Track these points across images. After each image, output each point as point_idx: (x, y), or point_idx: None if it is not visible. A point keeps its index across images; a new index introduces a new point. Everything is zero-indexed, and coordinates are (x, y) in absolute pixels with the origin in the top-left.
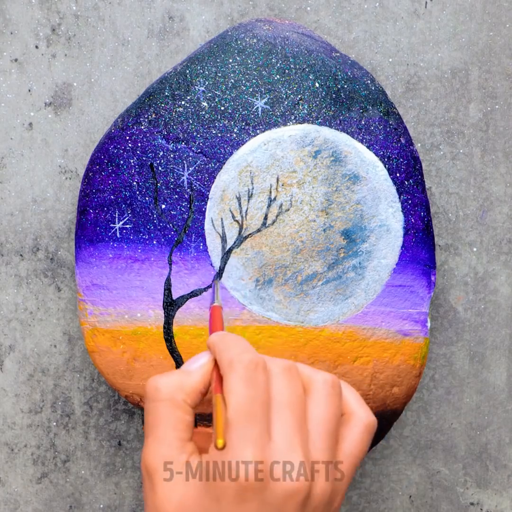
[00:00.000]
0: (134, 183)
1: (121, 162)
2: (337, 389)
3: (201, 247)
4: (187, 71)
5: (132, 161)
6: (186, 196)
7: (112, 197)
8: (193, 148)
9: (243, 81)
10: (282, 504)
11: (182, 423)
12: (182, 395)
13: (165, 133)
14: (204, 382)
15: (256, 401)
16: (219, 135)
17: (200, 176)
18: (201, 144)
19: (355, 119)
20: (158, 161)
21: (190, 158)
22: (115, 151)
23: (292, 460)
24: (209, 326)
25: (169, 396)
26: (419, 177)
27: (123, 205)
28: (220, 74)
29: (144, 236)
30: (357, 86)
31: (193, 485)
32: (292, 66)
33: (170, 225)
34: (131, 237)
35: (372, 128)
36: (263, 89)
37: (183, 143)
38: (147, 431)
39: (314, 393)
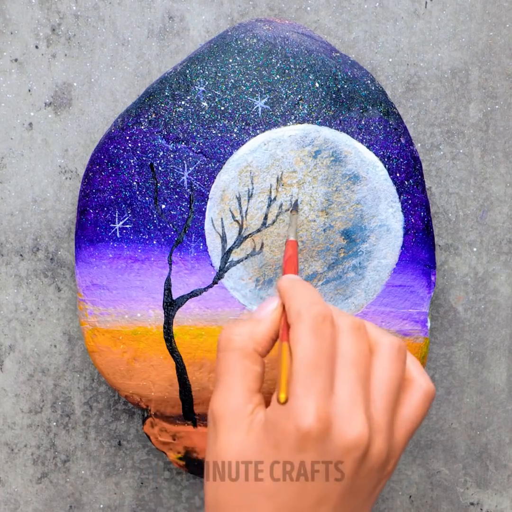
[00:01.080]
0: (134, 183)
1: (121, 162)
2: (402, 354)
3: (201, 247)
4: (187, 71)
5: (132, 161)
6: (186, 196)
7: (112, 197)
8: (193, 148)
9: (243, 81)
10: (340, 457)
11: (251, 373)
12: (253, 344)
13: (165, 133)
14: (275, 329)
15: (322, 353)
16: (219, 135)
17: (200, 176)
18: (201, 144)
19: (355, 119)
20: (158, 161)
21: (190, 158)
22: (115, 151)
23: (354, 415)
24: (283, 263)
25: (241, 346)
26: (419, 177)
27: (123, 205)
28: (220, 74)
29: (144, 236)
30: (357, 86)
31: (254, 433)
32: (292, 66)
33: (170, 225)
34: (131, 237)
35: (372, 128)
36: (263, 89)
37: (183, 143)
38: (217, 379)
39: (380, 355)
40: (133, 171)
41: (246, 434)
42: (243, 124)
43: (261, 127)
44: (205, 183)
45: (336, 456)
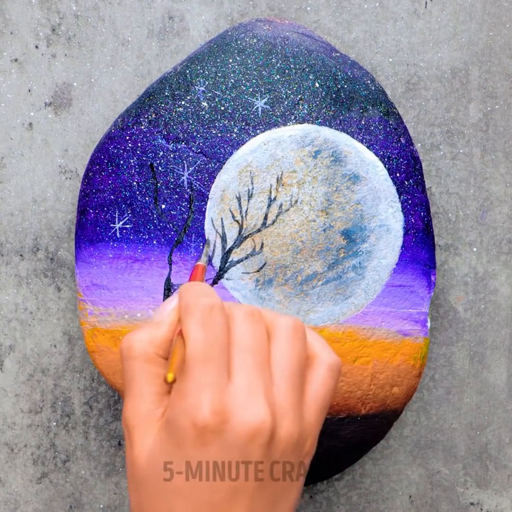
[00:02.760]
0: (134, 183)
1: (121, 162)
2: (300, 332)
3: (201, 247)
4: (187, 71)
5: (132, 161)
6: (186, 196)
7: (112, 197)
8: (193, 148)
9: (243, 81)
10: (244, 445)
11: (157, 377)
12: (153, 348)
13: (165, 133)
14: (173, 331)
15: (213, 344)
16: (219, 135)
17: (200, 176)
18: (201, 144)
19: (355, 119)
20: (158, 161)
21: (190, 158)
22: (115, 151)
23: (253, 401)
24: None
25: (142, 352)
26: (419, 177)
27: (123, 205)
28: (220, 74)
29: (144, 236)
30: (357, 86)
31: (159, 435)
32: (292, 66)
33: (170, 225)
34: (131, 237)
35: (372, 128)
36: (263, 89)
37: (183, 143)
38: (125, 388)
39: (277, 337)
40: (133, 171)
41: (155, 436)
42: (243, 124)
43: (261, 127)
44: (205, 183)
45: (240, 445)
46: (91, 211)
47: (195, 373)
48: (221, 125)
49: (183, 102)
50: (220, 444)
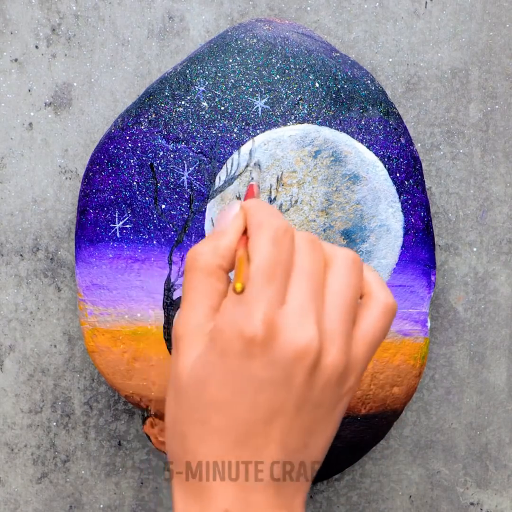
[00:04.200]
0: (134, 183)
1: (121, 162)
2: (357, 265)
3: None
4: (187, 71)
5: (132, 161)
6: (186, 196)
7: (112, 197)
8: (193, 148)
9: (243, 81)
10: (289, 364)
11: (215, 291)
12: (217, 260)
13: (165, 133)
14: (237, 240)
15: (279, 263)
16: (219, 135)
17: (200, 176)
18: (201, 144)
19: (355, 119)
20: (158, 161)
21: (190, 158)
22: (115, 151)
23: (303, 323)
24: (244, 199)
25: (205, 264)
26: (419, 177)
27: (123, 205)
28: (220, 74)
29: (144, 236)
30: (357, 86)
31: (205, 346)
32: (292, 66)
33: (170, 225)
34: (131, 237)
35: (372, 128)
36: (263, 89)
37: (183, 143)
38: (182, 300)
39: (334, 267)
40: (133, 171)
41: (202, 348)
42: (243, 124)
43: (261, 127)
44: (205, 183)
45: (285, 364)
46: (91, 211)
47: (255, 286)
48: (221, 125)
49: (183, 102)
50: (265, 359)
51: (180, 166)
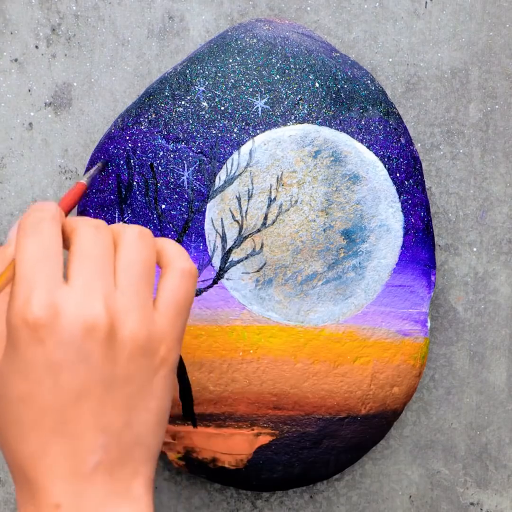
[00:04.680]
0: (134, 183)
1: (121, 162)
2: (146, 238)
3: (201, 247)
4: (187, 71)
5: (132, 161)
6: (186, 196)
7: (112, 197)
8: (193, 148)
9: (243, 81)
10: (80, 341)
11: (2, 299)
12: (2, 268)
13: (165, 133)
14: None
15: (43, 249)
16: (219, 135)
17: (200, 176)
18: (201, 144)
19: (355, 119)
20: (158, 161)
21: (190, 158)
22: (115, 151)
23: (88, 299)
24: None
25: None
26: (419, 177)
27: (123, 205)
28: (220, 74)
29: None
30: (357, 86)
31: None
32: (292, 66)
33: (170, 225)
34: None
35: (372, 128)
36: (263, 89)
37: (183, 143)
38: None
39: (122, 243)
40: (133, 171)
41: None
42: (243, 124)
43: (261, 127)
44: (205, 183)
45: (75, 342)
46: (91, 211)
47: (24, 275)
48: (221, 125)
49: (183, 102)
50: (55, 339)
51: (180, 166)
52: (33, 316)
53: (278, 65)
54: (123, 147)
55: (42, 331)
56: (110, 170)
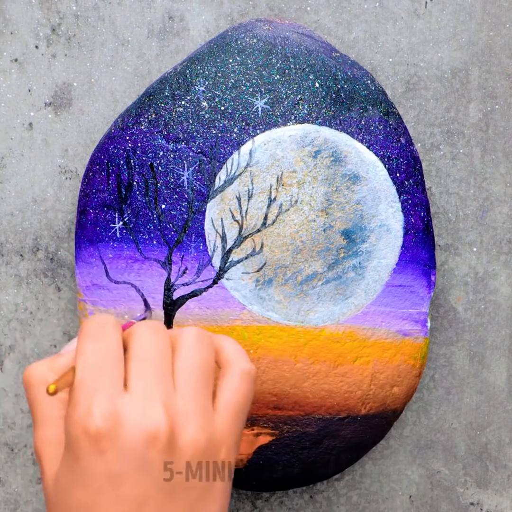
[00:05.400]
0: (134, 183)
1: (121, 162)
2: (204, 340)
3: (201, 247)
4: (187, 71)
5: (132, 161)
6: (186, 196)
7: (112, 197)
8: (193, 148)
9: (243, 81)
10: (142, 450)
11: (61, 402)
12: (53, 376)
13: (165, 133)
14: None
15: (104, 354)
16: (219, 135)
17: (200, 176)
18: (201, 144)
19: (355, 119)
20: (158, 161)
21: (190, 158)
22: (115, 151)
23: (148, 406)
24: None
25: (42, 379)
26: (419, 177)
27: (123, 205)
28: (220, 74)
29: (144, 236)
30: (357, 86)
31: (63, 452)
32: (292, 66)
33: (170, 225)
34: (131, 237)
35: (372, 128)
36: (263, 89)
37: (183, 143)
38: (32, 418)
39: (180, 346)
40: (133, 171)
41: (61, 459)
42: (243, 124)
43: (261, 127)
44: (205, 183)
45: (137, 451)
46: (91, 211)
47: (85, 382)
48: (221, 125)
49: (183, 102)
50: (117, 450)
51: (180, 166)
52: (95, 426)
53: (278, 65)
54: (123, 147)
55: (104, 442)
56: (110, 170)
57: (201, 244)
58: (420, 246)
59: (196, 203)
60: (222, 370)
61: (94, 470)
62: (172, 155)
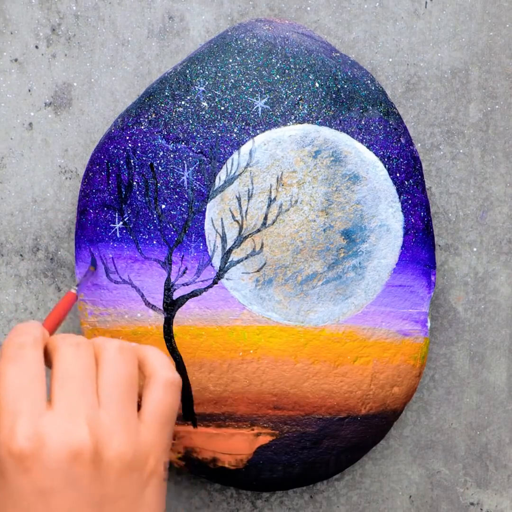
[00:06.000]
0: (134, 183)
1: (121, 162)
2: (125, 352)
3: (201, 247)
4: (187, 71)
5: (132, 161)
6: (186, 196)
7: (112, 197)
8: (193, 148)
9: (243, 81)
10: (67, 467)
11: None
12: None
13: (165, 133)
14: None
15: (24, 376)
16: (219, 135)
17: (200, 176)
18: (201, 144)
19: (355, 119)
20: (158, 161)
21: (190, 158)
22: (115, 151)
23: (71, 424)
24: (52, 310)
25: None
26: (419, 177)
27: (123, 205)
28: (220, 74)
29: (144, 236)
30: (357, 86)
31: None
32: (292, 66)
33: (170, 225)
34: (131, 237)
35: (372, 128)
36: (263, 89)
37: (183, 143)
38: None
39: (103, 361)
40: (133, 171)
41: None
42: (243, 124)
43: (261, 127)
44: (205, 183)
45: (62, 469)
46: (91, 211)
47: (7, 405)
48: (221, 125)
49: (183, 102)
50: (41, 468)
51: (180, 166)
52: (18, 447)
53: (278, 65)
54: (123, 147)
55: (28, 461)
56: (110, 170)
57: (201, 244)
58: (420, 246)
59: (196, 203)
60: (146, 380)
61: (21, 488)
62: (172, 155)
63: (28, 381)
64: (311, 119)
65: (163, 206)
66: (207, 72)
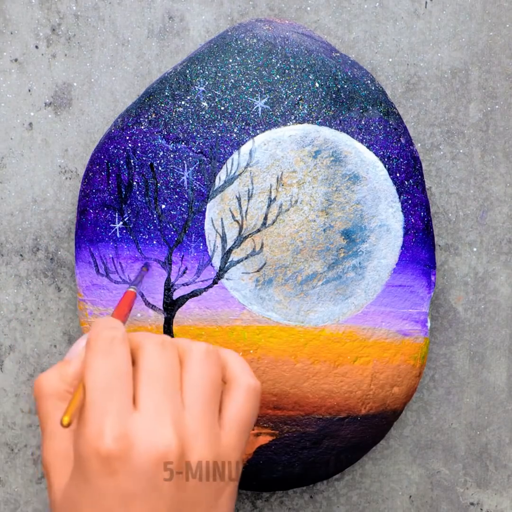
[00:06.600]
0: (134, 183)
1: (121, 162)
2: (212, 356)
3: (201, 247)
4: (187, 71)
5: (132, 161)
6: (186, 196)
7: (112, 197)
8: (193, 148)
9: (243, 81)
10: (151, 472)
11: None
12: (64, 386)
13: (165, 133)
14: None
15: (114, 373)
16: (219, 135)
17: (200, 176)
18: (201, 144)
19: (355, 119)
20: (158, 161)
21: (190, 158)
22: (115, 151)
23: (159, 426)
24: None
25: (53, 390)
26: (419, 177)
27: (123, 205)
28: (220, 74)
29: (144, 236)
30: (357, 86)
31: (72, 468)
32: (292, 66)
33: (170, 225)
34: (131, 237)
35: (372, 128)
36: (263, 89)
37: (183, 143)
38: (41, 429)
39: (188, 362)
40: (133, 171)
41: (70, 474)
42: (243, 124)
43: (261, 127)
44: (205, 183)
45: (147, 472)
46: (91, 211)
47: (96, 402)
48: (221, 125)
49: (183, 102)
50: (128, 471)
51: (180, 166)
52: (106, 448)
53: (278, 65)
54: (123, 147)
55: (116, 463)
56: (110, 170)
57: (201, 244)
58: (420, 246)
59: (196, 203)
60: (228, 385)
61: (104, 490)
62: (172, 155)
63: (118, 377)
64: (311, 119)
65: (163, 206)
66: (207, 72)
